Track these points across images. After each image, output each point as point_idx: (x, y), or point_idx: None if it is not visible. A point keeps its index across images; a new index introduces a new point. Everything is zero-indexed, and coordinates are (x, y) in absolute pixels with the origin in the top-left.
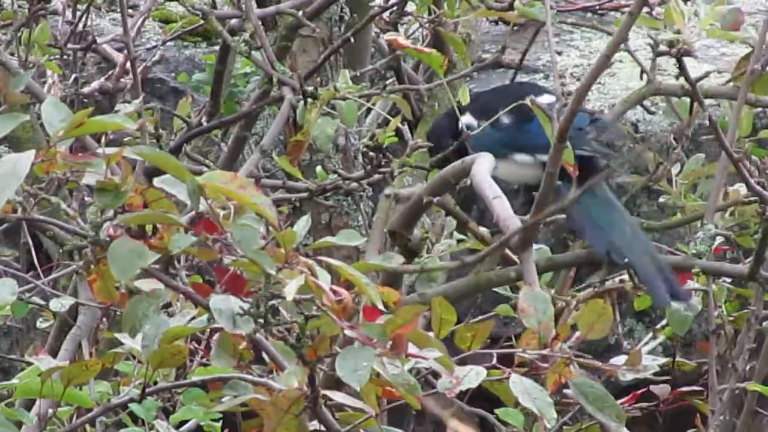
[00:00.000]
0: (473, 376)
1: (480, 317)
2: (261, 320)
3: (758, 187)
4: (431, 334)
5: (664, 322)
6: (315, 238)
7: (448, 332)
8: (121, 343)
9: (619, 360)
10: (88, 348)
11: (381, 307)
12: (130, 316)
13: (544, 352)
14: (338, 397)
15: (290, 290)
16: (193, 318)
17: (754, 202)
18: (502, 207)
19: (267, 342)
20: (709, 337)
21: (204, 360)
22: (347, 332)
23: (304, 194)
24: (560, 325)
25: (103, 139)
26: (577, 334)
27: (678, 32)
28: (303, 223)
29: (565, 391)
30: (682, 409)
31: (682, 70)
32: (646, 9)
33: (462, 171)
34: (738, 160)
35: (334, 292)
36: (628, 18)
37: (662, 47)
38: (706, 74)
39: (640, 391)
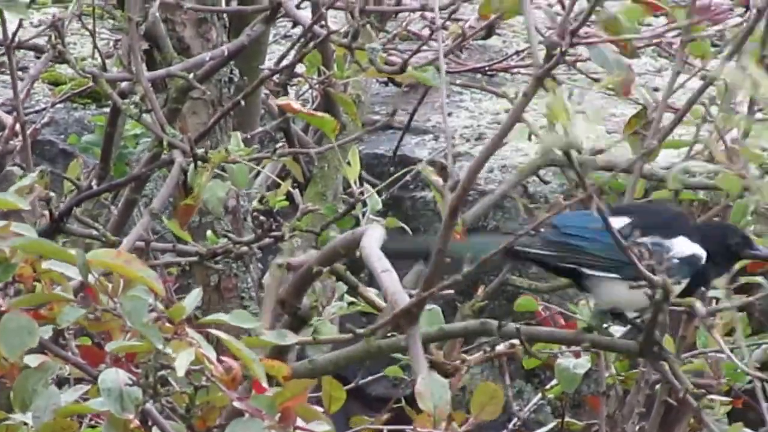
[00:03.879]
0: None
1: (369, 378)
2: (150, 391)
3: (647, 272)
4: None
5: (553, 382)
6: (204, 301)
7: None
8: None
9: None
10: None
11: (265, 385)
12: (20, 391)
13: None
14: None
15: (180, 365)
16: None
17: (643, 286)
18: (390, 281)
19: (157, 413)
20: (598, 394)
21: (92, 422)
22: (236, 404)
23: (194, 258)
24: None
25: None
26: (472, 419)
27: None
28: (194, 296)
29: None
30: None
31: (572, 165)
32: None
33: (352, 242)
34: (627, 248)
35: (224, 363)
36: (523, 99)
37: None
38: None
39: None
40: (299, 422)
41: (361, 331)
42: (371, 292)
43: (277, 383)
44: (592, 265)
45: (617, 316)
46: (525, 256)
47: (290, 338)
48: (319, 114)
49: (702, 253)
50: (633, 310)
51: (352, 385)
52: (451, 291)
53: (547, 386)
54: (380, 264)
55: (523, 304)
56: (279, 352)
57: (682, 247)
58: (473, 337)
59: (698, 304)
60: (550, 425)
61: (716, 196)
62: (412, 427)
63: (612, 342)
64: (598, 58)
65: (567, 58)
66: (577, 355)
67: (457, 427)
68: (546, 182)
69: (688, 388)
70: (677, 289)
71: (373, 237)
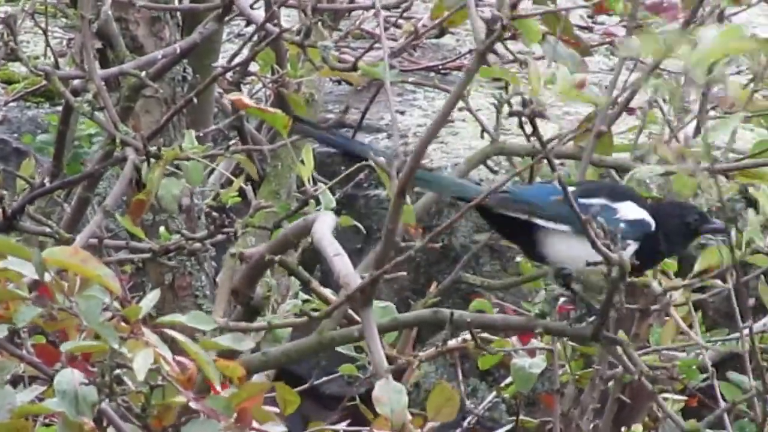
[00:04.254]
0: None
1: (324, 378)
2: (106, 390)
3: (604, 249)
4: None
5: (508, 380)
6: (158, 299)
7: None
8: None
9: None
10: None
11: (218, 387)
12: None
13: None
14: None
15: (140, 367)
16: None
17: (600, 263)
18: (342, 264)
19: (113, 413)
20: (552, 392)
21: (47, 421)
22: (193, 404)
23: (147, 255)
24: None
25: None
26: (430, 424)
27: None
28: (151, 297)
29: None
30: None
31: (535, 130)
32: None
33: (303, 229)
34: (586, 221)
35: (179, 363)
36: (466, 75)
37: (516, 107)
38: (557, 138)
39: None
40: (254, 423)
41: (316, 313)
42: (324, 290)
43: (232, 382)
44: (542, 216)
45: (566, 284)
46: (489, 211)
47: (247, 343)
48: (271, 110)
49: (651, 220)
50: (584, 265)
51: (306, 386)
52: (404, 273)
53: (502, 384)
54: (332, 248)
55: (478, 306)
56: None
57: (630, 210)
58: (426, 328)
59: (654, 284)
60: (507, 427)
61: (670, 193)
62: (368, 428)
63: (564, 327)
64: (549, 52)
65: (519, 56)
66: (531, 354)
67: (414, 430)
68: (494, 172)
69: (642, 370)
70: (629, 250)
71: (324, 223)
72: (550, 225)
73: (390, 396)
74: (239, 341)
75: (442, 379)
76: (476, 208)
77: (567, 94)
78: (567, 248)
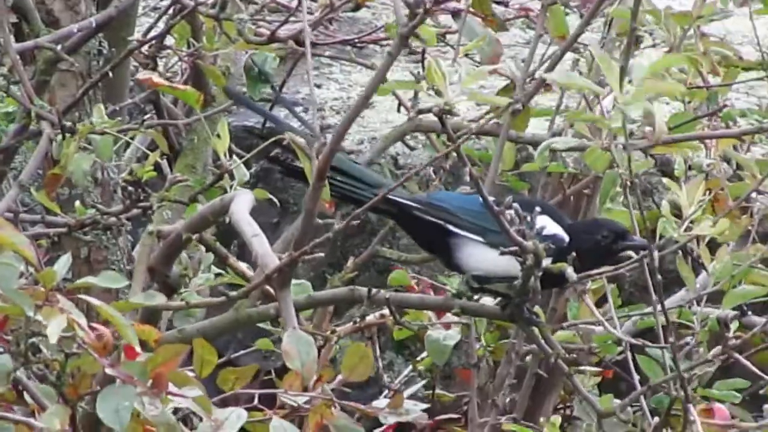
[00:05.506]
0: (234, 418)
1: (241, 352)
2: (21, 359)
3: (518, 237)
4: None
5: (423, 354)
6: (74, 272)
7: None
8: None
9: (382, 403)
10: None
11: (138, 349)
12: None
13: (306, 394)
14: None
15: (52, 332)
16: None
17: (514, 252)
18: (260, 245)
19: (28, 381)
20: (468, 366)
21: None
22: (108, 370)
23: (63, 229)
24: (322, 361)
25: None
26: (340, 376)
27: (438, 92)
28: (63, 262)
29: None
30: None
31: (444, 127)
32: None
33: (221, 209)
34: (498, 213)
35: (95, 330)
36: (388, 58)
37: (424, 106)
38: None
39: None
40: (171, 388)
41: (234, 293)
42: (241, 265)
43: (148, 349)
44: (457, 224)
45: (483, 289)
46: (399, 207)
47: (159, 299)
48: (182, 87)
49: (564, 236)
50: (497, 276)
51: (223, 359)
52: (322, 254)
53: (418, 358)
54: (250, 228)
55: (397, 278)
56: (149, 321)
57: (545, 224)
58: (343, 305)
59: (569, 270)
60: (419, 385)
61: (586, 167)
62: (283, 390)
63: (481, 307)
64: (466, 31)
65: (436, 30)
66: (447, 327)
67: (326, 388)
68: (412, 148)
69: (559, 353)
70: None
71: (242, 202)
72: (464, 233)
73: (299, 348)
74: (151, 298)
75: None
76: (388, 213)
77: (472, 96)
78: (481, 257)
